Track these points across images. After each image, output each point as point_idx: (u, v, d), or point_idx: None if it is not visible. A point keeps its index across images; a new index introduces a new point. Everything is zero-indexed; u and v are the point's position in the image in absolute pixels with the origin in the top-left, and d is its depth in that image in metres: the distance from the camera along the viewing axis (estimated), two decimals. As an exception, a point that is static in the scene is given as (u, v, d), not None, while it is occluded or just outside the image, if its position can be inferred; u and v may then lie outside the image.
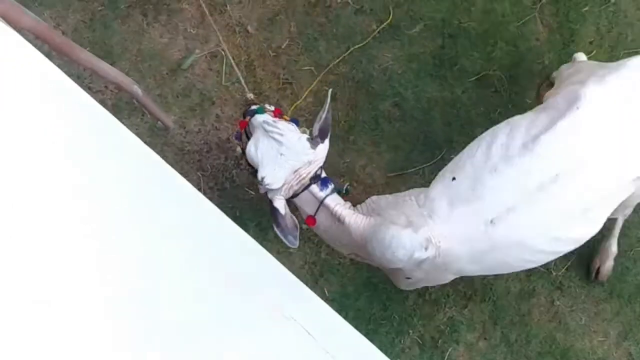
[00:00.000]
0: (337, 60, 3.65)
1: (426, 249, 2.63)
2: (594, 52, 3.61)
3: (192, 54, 3.65)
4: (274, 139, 2.68)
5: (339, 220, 2.75)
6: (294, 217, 2.83)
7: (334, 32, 3.68)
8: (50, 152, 1.01)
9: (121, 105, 3.57)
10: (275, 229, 2.75)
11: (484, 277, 3.52)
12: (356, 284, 3.56)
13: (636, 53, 3.56)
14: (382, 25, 3.66)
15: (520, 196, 2.58)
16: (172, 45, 3.66)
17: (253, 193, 3.59)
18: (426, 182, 3.55)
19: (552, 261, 3.53)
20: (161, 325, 0.85)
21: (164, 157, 3.56)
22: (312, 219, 2.79)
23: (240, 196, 3.61)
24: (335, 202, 2.77)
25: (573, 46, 3.63)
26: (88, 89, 3.47)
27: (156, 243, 1.05)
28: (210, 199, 3.55)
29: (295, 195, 2.77)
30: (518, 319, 3.53)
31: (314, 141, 2.72)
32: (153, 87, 3.60)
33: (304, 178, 2.73)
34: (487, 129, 3.55)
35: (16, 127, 1.08)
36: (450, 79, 3.65)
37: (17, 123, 1.11)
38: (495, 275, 3.53)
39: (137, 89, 1.93)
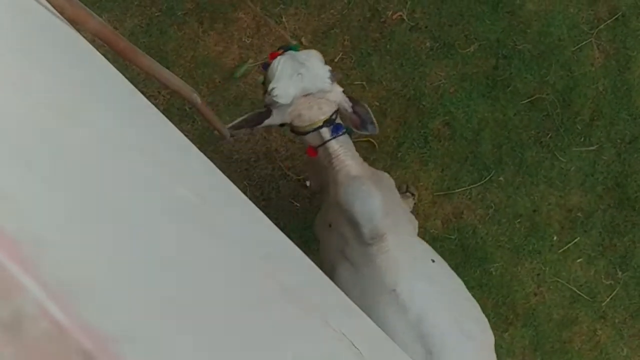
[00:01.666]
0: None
1: (381, 237, 2.60)
2: (651, 80, 3.58)
3: (246, 63, 3.67)
4: (298, 60, 2.66)
5: (332, 159, 2.68)
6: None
7: (387, 47, 3.68)
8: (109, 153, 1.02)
9: (173, 111, 3.61)
10: (238, 121, 2.73)
11: (527, 301, 3.49)
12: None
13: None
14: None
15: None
16: (226, 53, 3.68)
17: (298, 205, 3.60)
18: (472, 203, 3.55)
19: (597, 289, 3.50)
20: (213, 330, 0.85)
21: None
22: (313, 151, 2.72)
23: (285, 207, 3.62)
24: (339, 145, 2.70)
25: (628, 73, 3.59)
26: (141, 93, 3.50)
27: (209, 251, 1.05)
28: (256, 208, 3.60)
29: (303, 133, 2.70)
30: (559, 347, 3.49)
31: (335, 76, 2.69)
32: (205, 95, 3.62)
33: (314, 110, 2.66)
34: (537, 152, 3.56)
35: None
36: (502, 100, 3.62)
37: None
38: (538, 301, 3.50)
39: (196, 97, 1.94)
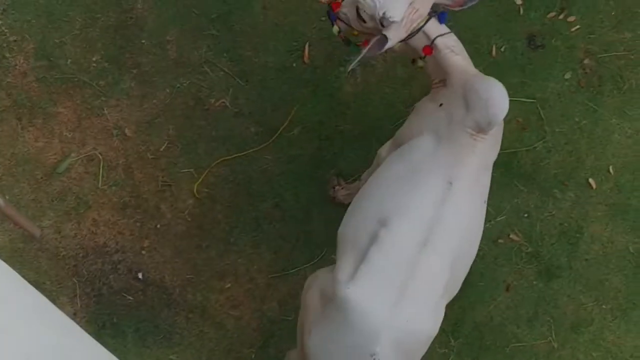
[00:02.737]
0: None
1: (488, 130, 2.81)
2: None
3: (68, 157, 3.60)
4: None
5: (443, 63, 2.91)
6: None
7: (212, 134, 3.70)
8: None
9: (-6, 210, 3.47)
10: (358, 59, 2.87)
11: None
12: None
13: (505, 154, 3.71)
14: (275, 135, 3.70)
15: None
16: (47, 149, 3.60)
17: (131, 298, 3.53)
18: (307, 283, 3.57)
19: (432, 359, 3.57)
20: None
21: (37, 263, 3.51)
22: (429, 49, 2.92)
23: (117, 302, 3.54)
24: (446, 45, 2.91)
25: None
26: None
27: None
28: (87, 305, 3.51)
29: (411, 35, 2.89)
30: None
31: None
32: (27, 192, 3.53)
33: (420, 12, 2.85)
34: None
35: None
36: (327, 179, 3.70)
37: None
38: None
39: (-4, 201, 1.87)
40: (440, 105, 2.95)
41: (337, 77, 3.82)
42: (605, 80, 3.77)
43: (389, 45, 2.84)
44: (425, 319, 2.74)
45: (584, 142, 3.74)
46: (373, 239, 2.73)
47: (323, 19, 3.84)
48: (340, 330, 2.69)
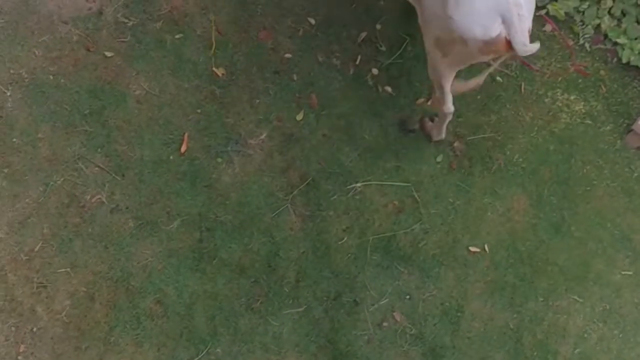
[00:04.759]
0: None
1: None
2: (345, 238, 3.78)
3: None
4: None
5: None
6: None
7: (89, 231, 3.63)
8: None
9: None
10: None
11: None
12: None
13: (384, 237, 3.78)
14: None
15: None
16: None
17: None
18: (192, 379, 3.52)
19: None
20: None
21: None
22: None
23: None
24: None
25: (325, 233, 3.79)
26: None
27: None
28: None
29: None
30: None
31: None
32: None
33: None
34: (250, 319, 3.61)
35: None
36: (210, 271, 3.67)
37: None
38: None
39: None
40: None
41: (214, 168, 3.83)
42: (475, 161, 3.92)
43: None
44: None
45: (459, 221, 3.85)
46: None
47: (199, 110, 3.87)
48: None
